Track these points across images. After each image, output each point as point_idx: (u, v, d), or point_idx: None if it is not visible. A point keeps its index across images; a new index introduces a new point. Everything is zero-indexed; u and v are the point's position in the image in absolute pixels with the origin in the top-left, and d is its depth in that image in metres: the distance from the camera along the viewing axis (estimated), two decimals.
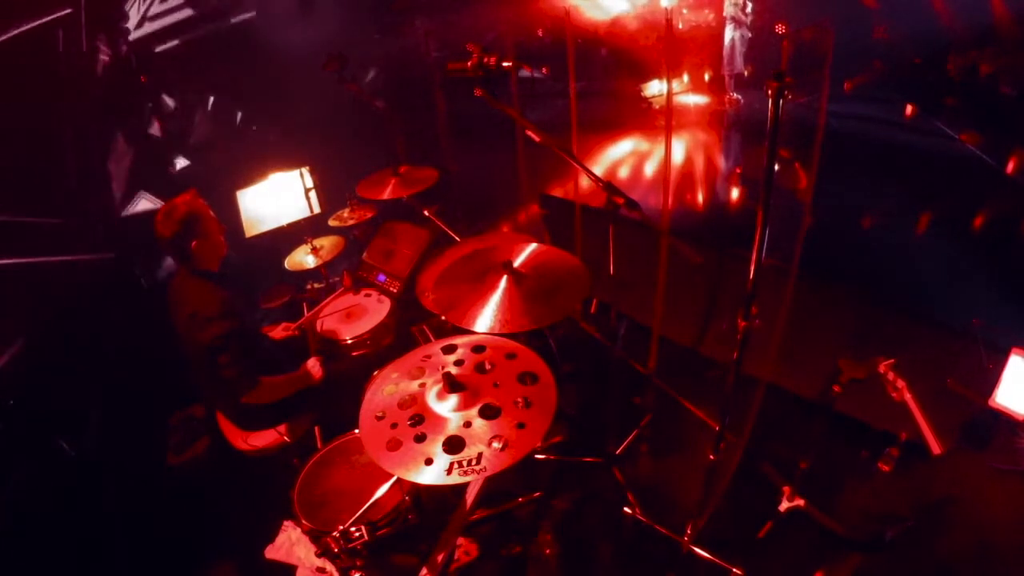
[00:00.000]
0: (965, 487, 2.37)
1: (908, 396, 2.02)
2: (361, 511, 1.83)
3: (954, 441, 2.46)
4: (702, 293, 3.61)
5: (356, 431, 2.26)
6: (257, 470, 2.60)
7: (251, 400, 2.31)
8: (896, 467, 2.45)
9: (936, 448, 1.84)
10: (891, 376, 2.08)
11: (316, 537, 1.79)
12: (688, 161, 6.24)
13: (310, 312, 2.92)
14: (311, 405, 2.61)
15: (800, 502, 2.38)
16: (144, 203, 4.44)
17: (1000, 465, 2.32)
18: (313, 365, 2.54)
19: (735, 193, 5.50)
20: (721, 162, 6.30)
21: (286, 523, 1.87)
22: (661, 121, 6.79)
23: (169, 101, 5.08)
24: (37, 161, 3.64)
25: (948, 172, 5.19)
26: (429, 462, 1.49)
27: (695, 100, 7.70)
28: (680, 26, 7.52)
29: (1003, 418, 2.20)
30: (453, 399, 1.64)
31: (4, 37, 3.40)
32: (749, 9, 6.94)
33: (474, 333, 1.87)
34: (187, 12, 5.08)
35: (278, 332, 2.81)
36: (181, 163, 5.07)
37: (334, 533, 1.74)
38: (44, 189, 3.69)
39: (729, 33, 7.06)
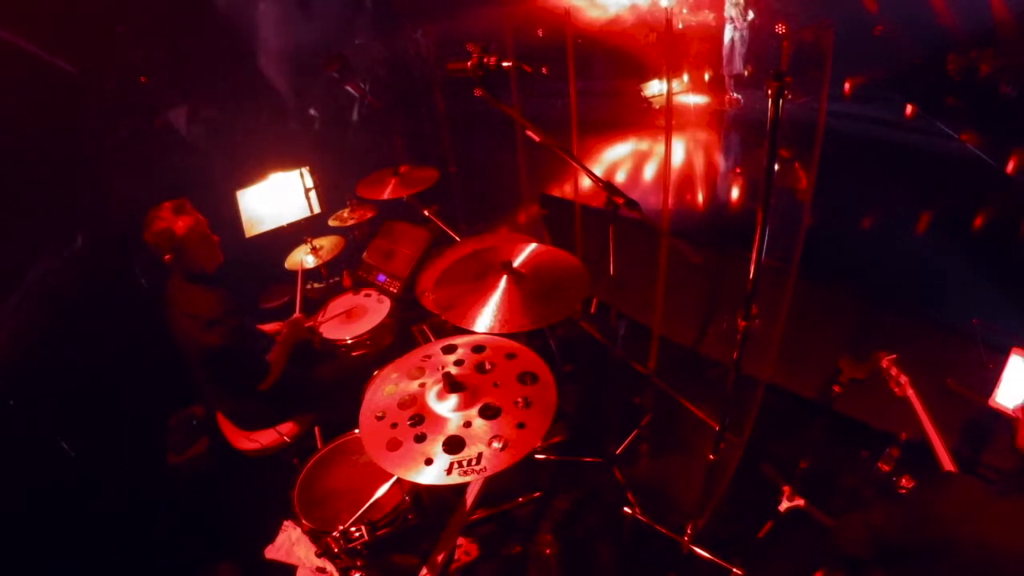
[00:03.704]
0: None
1: (911, 391, 2.01)
2: (361, 511, 1.83)
3: (954, 441, 2.46)
4: (702, 293, 3.62)
5: (356, 431, 2.26)
6: (257, 470, 2.60)
7: (268, 384, 2.39)
8: (896, 467, 2.45)
9: (947, 463, 1.84)
10: (894, 371, 2.07)
11: (316, 537, 1.79)
12: (688, 161, 6.24)
13: (312, 318, 2.92)
14: (311, 404, 2.61)
15: (800, 502, 2.38)
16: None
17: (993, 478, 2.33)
18: (294, 318, 2.64)
19: (735, 193, 5.50)
20: (721, 162, 6.30)
21: (286, 523, 1.87)
22: (661, 121, 6.80)
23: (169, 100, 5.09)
24: (37, 160, 3.64)
25: (948, 172, 5.20)
26: (429, 462, 1.49)
27: (695, 100, 7.70)
28: (680, 26, 7.53)
29: (1003, 418, 2.20)
30: (453, 399, 1.64)
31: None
32: (750, 16, 6.95)
33: (474, 333, 1.87)
34: None
35: (272, 327, 2.82)
36: (182, 161, 5.07)
37: (334, 533, 1.74)
38: (44, 189, 3.69)
39: (729, 33, 7.06)
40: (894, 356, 2.10)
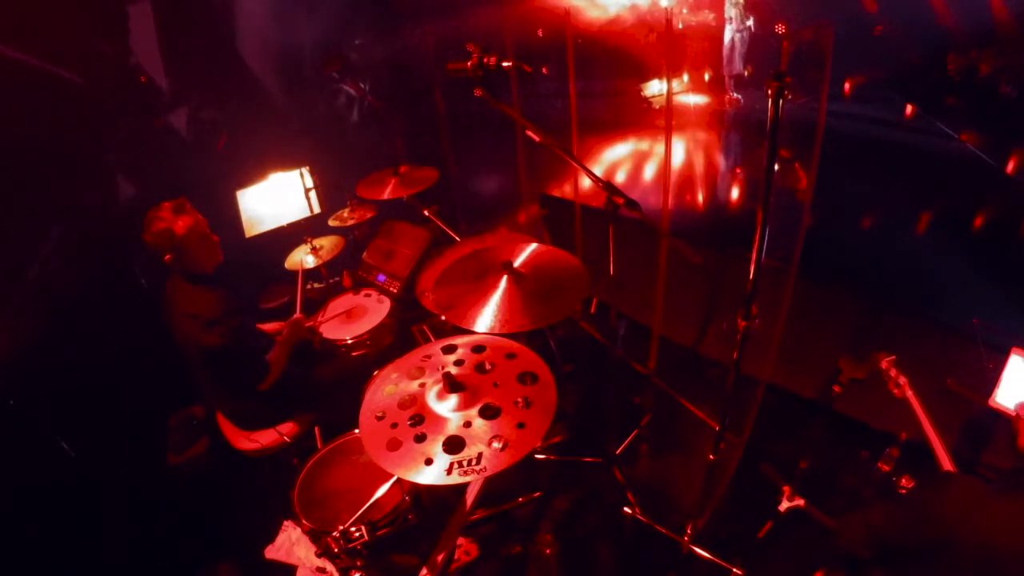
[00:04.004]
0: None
1: (910, 393, 2.01)
2: (361, 511, 1.83)
3: (954, 441, 2.46)
4: (702, 293, 3.62)
5: (356, 431, 2.27)
6: (257, 470, 2.60)
7: (268, 384, 2.39)
8: (896, 467, 2.45)
9: (947, 464, 1.84)
10: (893, 372, 2.08)
11: (316, 537, 1.79)
12: (688, 161, 6.24)
13: (312, 318, 2.92)
14: (311, 404, 2.61)
15: (800, 502, 2.38)
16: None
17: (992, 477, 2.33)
18: (295, 319, 2.63)
19: (735, 193, 5.50)
20: (721, 162, 6.30)
21: (286, 523, 1.87)
22: (661, 121, 6.80)
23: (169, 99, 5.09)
24: (37, 160, 3.64)
25: (948, 172, 5.20)
26: (429, 462, 1.49)
27: (695, 100, 7.70)
28: (680, 26, 7.53)
29: (1003, 418, 2.20)
30: (453, 399, 1.64)
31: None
32: (750, 23, 6.96)
33: (474, 333, 1.87)
34: None
35: (272, 327, 2.82)
36: (182, 161, 5.07)
37: (334, 533, 1.74)
38: (44, 189, 3.69)
39: (729, 33, 7.07)
40: (893, 357, 2.10)
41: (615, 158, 6.49)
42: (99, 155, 4.25)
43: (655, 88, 7.78)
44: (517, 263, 2.05)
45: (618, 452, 2.86)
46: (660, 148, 6.03)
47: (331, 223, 3.56)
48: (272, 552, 1.82)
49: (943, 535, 1.27)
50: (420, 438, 1.56)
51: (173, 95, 5.02)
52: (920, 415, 1.95)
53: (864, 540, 1.44)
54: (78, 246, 3.92)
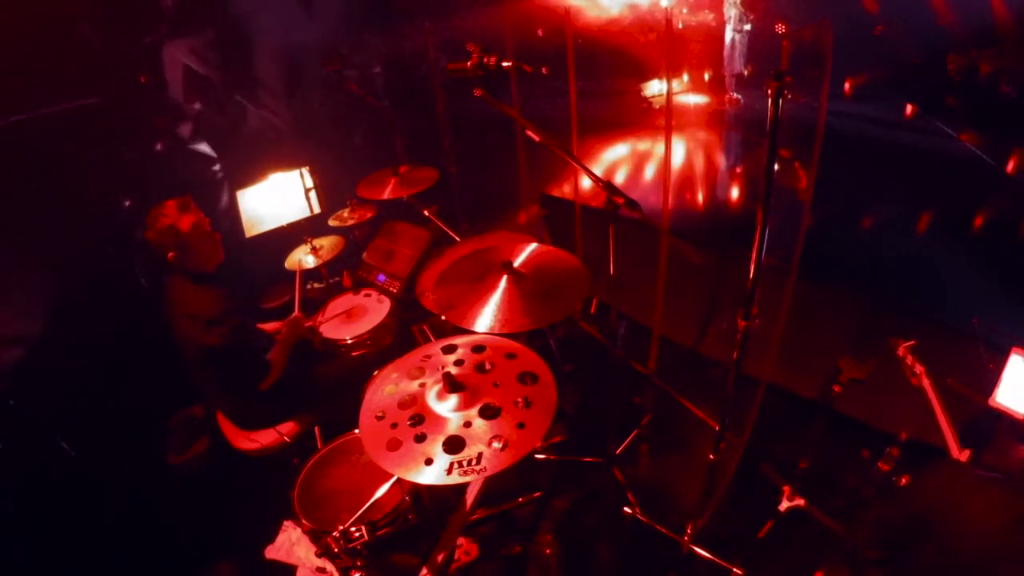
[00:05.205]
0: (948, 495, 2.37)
1: (927, 382, 1.98)
2: (361, 511, 1.83)
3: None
4: (702, 293, 3.62)
5: (356, 431, 2.27)
6: (257, 470, 2.60)
7: (268, 383, 2.39)
8: (896, 467, 2.46)
9: (956, 452, 1.82)
10: (909, 360, 2.03)
11: (316, 537, 1.79)
12: (688, 161, 6.24)
13: (312, 318, 2.92)
14: (311, 404, 2.61)
15: (800, 502, 2.38)
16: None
17: (983, 473, 2.32)
18: (293, 317, 2.63)
19: (735, 193, 5.50)
20: (721, 162, 6.30)
21: (286, 523, 1.87)
22: (661, 121, 6.79)
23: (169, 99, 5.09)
24: (38, 163, 3.64)
25: (948, 172, 5.19)
26: (429, 462, 1.49)
27: (695, 100, 7.70)
28: (680, 26, 7.53)
29: (1004, 418, 2.20)
30: (453, 399, 1.64)
31: None
32: (748, 27, 6.96)
33: (474, 333, 1.87)
34: None
35: (272, 326, 2.82)
36: (181, 162, 5.08)
37: (334, 533, 1.74)
38: (43, 190, 3.69)
39: (729, 33, 7.07)
40: (912, 343, 2.02)
41: (615, 158, 6.49)
42: (99, 156, 4.25)
43: (655, 88, 7.78)
44: (517, 263, 2.05)
45: (618, 452, 2.86)
46: (660, 148, 6.04)
47: (331, 223, 3.56)
48: (272, 552, 1.82)
49: (928, 516, 1.28)
50: (420, 438, 1.56)
51: (172, 96, 5.02)
52: (935, 405, 1.89)
53: (866, 540, 1.44)
54: (78, 246, 3.92)
